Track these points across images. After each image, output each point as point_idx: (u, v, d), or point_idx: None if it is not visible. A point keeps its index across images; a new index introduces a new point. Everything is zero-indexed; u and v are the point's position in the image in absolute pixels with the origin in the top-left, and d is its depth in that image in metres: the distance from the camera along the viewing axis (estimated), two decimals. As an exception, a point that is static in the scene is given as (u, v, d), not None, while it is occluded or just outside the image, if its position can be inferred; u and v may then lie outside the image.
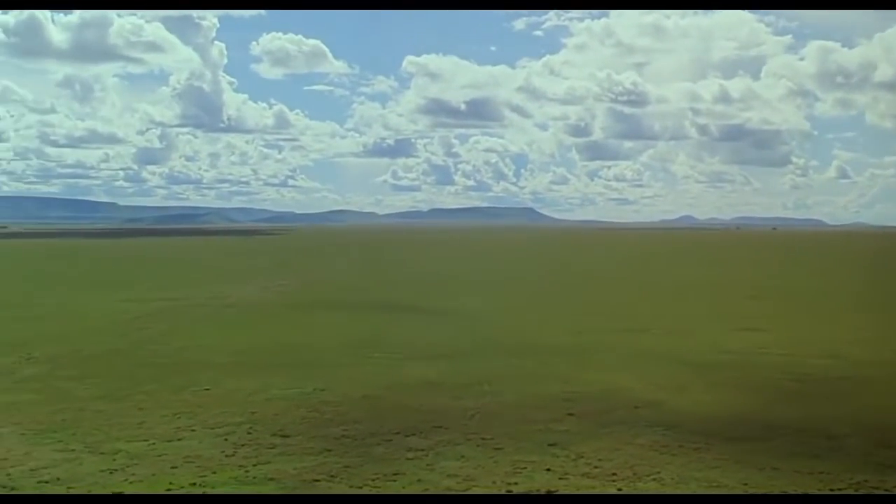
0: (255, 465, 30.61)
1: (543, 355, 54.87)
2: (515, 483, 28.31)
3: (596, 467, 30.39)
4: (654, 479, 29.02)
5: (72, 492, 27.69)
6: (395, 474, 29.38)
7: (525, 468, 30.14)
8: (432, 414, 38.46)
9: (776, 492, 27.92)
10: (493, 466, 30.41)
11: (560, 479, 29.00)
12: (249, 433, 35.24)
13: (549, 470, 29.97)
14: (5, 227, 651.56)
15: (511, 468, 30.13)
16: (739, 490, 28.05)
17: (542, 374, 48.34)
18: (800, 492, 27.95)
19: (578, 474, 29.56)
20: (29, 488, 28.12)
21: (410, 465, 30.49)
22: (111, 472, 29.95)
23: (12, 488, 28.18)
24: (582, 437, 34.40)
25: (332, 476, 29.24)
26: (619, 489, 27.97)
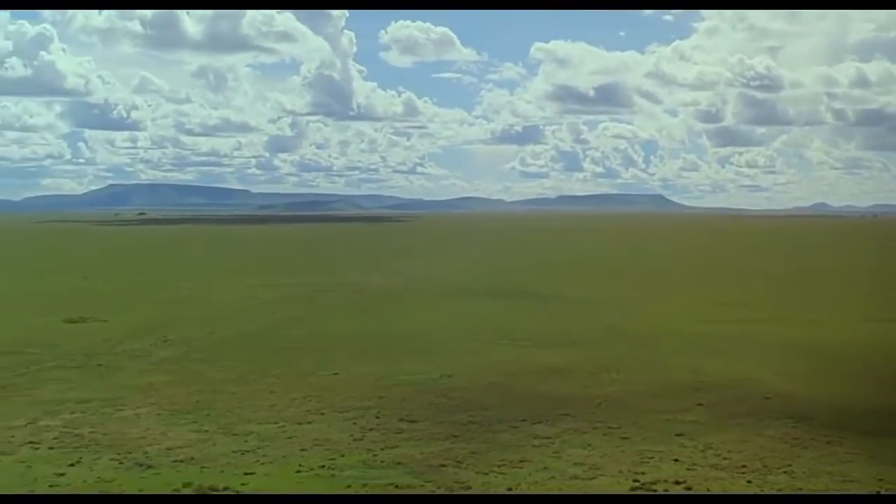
0: (382, 450, 30.98)
1: (671, 344, 54.30)
2: (642, 473, 28.09)
3: (725, 459, 29.98)
4: (784, 472, 28.48)
5: (206, 472, 28.42)
6: (521, 461, 29.43)
7: (652, 458, 29.89)
8: (559, 402, 38.42)
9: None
10: (619, 455, 30.24)
11: (688, 469, 28.69)
12: (377, 417, 35.69)
13: (676, 460, 29.68)
14: (144, 214, 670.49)
15: (638, 458, 29.92)
16: (874, 487, 27.34)
17: (669, 364, 47.83)
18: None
19: (707, 465, 29.20)
20: (165, 467, 28.98)
21: (537, 453, 30.51)
22: (243, 454, 30.67)
23: (149, 466, 29.06)
24: (710, 428, 33.97)
25: (458, 462, 29.42)
26: (749, 481, 27.54)
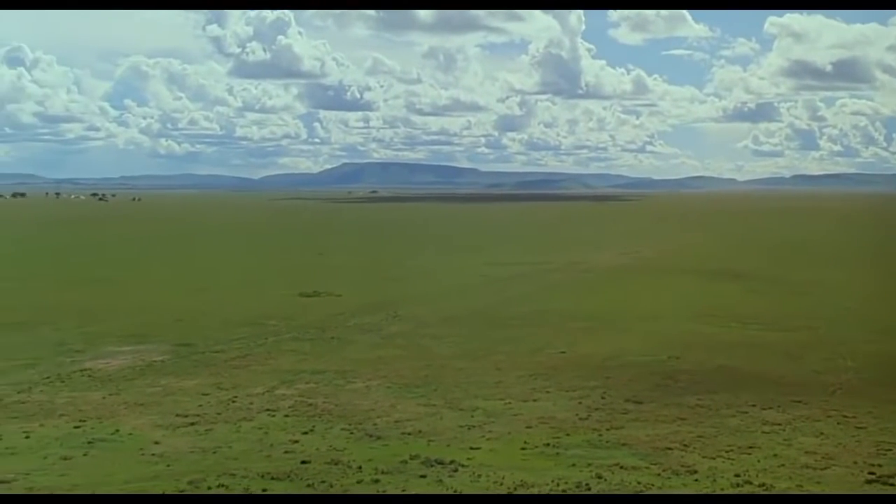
0: (608, 430, 30.82)
1: (913, 332, 51.91)
2: (879, 465, 26.93)
3: (969, 454, 28.43)
4: None
5: (432, 445, 28.94)
6: (749, 447, 28.73)
7: (889, 450, 28.59)
8: (791, 387, 37.33)
9: None
10: (854, 446, 29.10)
11: (929, 463, 27.36)
12: (603, 398, 35.53)
13: (916, 453, 28.35)
14: (375, 192, 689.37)
15: (874, 449, 28.71)
16: None
17: (910, 352, 45.75)
18: None
19: (949, 460, 27.76)
20: (393, 438, 29.68)
21: (766, 440, 29.72)
22: (469, 429, 31.08)
23: (378, 437, 29.83)
24: (954, 421, 32.28)
25: (684, 445, 28.97)
26: None
